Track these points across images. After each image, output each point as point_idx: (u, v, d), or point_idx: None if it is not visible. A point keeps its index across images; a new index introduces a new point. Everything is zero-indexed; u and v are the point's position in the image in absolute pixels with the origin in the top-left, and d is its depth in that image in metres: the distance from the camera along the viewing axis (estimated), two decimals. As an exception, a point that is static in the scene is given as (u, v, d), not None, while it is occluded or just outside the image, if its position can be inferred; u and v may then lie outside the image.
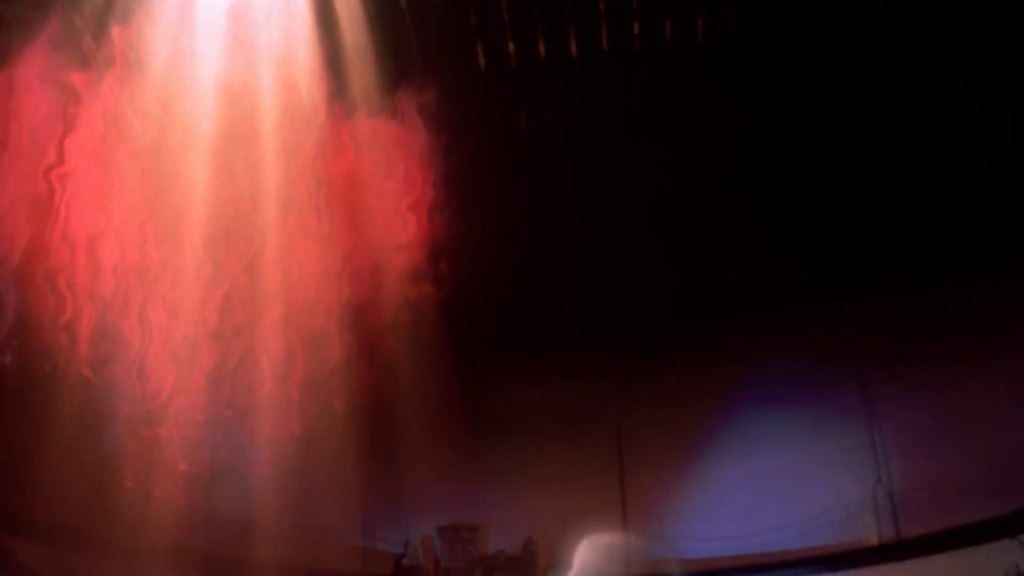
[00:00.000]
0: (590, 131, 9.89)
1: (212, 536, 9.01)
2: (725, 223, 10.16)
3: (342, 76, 8.72)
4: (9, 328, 7.87)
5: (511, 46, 9.18)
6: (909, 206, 9.54)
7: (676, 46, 9.19)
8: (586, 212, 10.23)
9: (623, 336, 10.98)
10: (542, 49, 9.18)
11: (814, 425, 10.64)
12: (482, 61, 9.14)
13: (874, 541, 10.10)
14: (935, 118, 8.90)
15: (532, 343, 10.82)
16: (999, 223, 9.38)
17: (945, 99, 8.78)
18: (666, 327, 10.86)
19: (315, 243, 8.41)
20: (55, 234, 7.95)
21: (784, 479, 10.70)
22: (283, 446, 8.66)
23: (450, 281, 9.11)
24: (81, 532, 8.42)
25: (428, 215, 8.87)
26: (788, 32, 9.32)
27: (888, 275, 10.10)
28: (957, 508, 9.61)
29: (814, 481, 10.57)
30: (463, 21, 9.06)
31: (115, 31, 8.08)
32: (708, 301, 10.76)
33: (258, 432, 8.80)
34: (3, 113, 7.89)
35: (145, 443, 8.50)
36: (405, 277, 8.63)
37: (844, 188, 9.63)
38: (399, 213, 8.74)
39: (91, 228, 8.08)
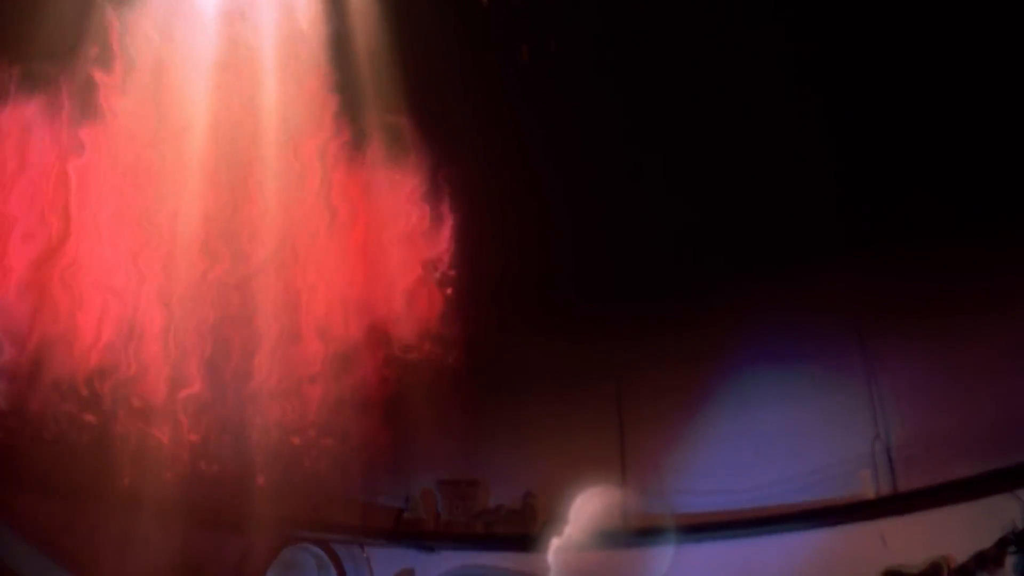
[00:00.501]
0: (591, 87, 9.86)
1: (213, 490, 9.10)
2: (724, 181, 10.15)
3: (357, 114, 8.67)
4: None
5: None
6: (907, 160, 9.52)
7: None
8: (588, 173, 10.23)
9: (623, 295, 11.02)
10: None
11: (813, 382, 10.70)
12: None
13: (871, 496, 10.16)
14: (930, 69, 8.86)
15: (532, 302, 10.87)
16: (999, 177, 9.36)
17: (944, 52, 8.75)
18: (666, 285, 10.88)
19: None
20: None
21: (782, 435, 10.77)
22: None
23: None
24: (82, 485, 8.52)
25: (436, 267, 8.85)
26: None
27: (887, 231, 10.09)
28: (955, 463, 9.64)
29: (812, 437, 10.63)
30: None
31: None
32: (708, 259, 10.77)
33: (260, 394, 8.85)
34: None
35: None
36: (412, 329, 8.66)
37: (843, 143, 9.61)
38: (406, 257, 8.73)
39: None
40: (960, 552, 9.45)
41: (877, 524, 10.01)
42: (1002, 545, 9.11)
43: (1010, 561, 9.05)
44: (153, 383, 8.15)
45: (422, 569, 11.30)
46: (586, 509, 10.16)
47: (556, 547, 10.09)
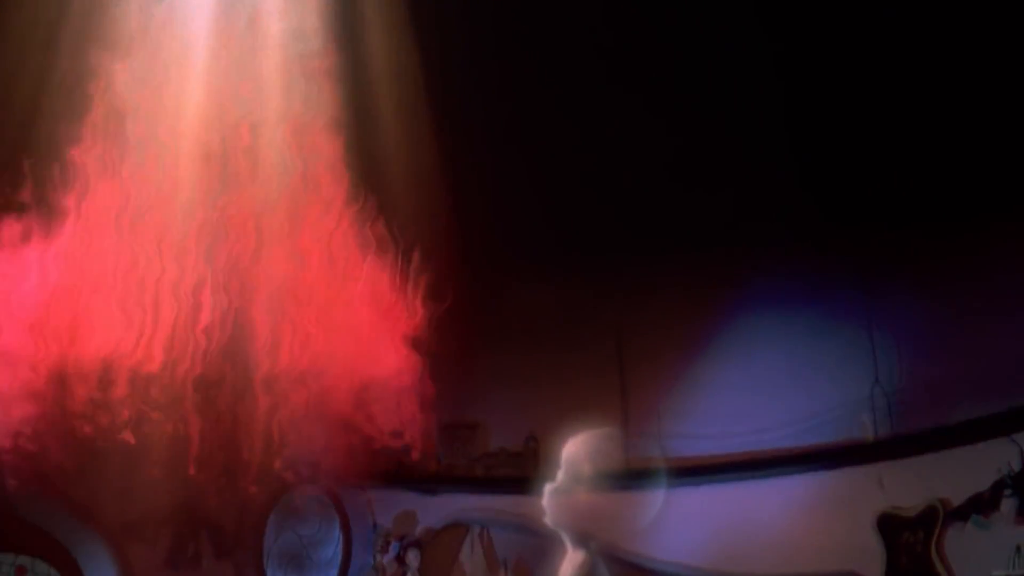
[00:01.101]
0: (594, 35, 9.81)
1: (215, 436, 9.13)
2: (728, 131, 10.13)
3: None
4: None
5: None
6: (909, 112, 9.54)
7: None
8: (590, 119, 10.21)
9: (624, 241, 11.06)
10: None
11: (813, 327, 10.82)
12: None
13: (870, 440, 10.33)
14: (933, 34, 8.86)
15: (532, 248, 10.91)
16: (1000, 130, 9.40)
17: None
18: (667, 231, 10.93)
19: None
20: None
21: (782, 380, 10.93)
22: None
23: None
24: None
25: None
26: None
27: (887, 180, 10.14)
28: (952, 407, 9.83)
29: (812, 382, 10.80)
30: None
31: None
32: (710, 205, 10.80)
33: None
34: None
35: None
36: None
37: (844, 99, 9.62)
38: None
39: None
40: (957, 495, 9.66)
41: (875, 468, 10.22)
42: (998, 488, 9.30)
43: (1006, 504, 9.25)
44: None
45: (422, 512, 11.47)
46: (578, 453, 10.27)
47: (550, 491, 10.22)
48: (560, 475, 10.15)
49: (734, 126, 9.95)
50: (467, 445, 11.54)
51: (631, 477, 10.54)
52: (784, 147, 10.06)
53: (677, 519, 10.98)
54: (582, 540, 10.11)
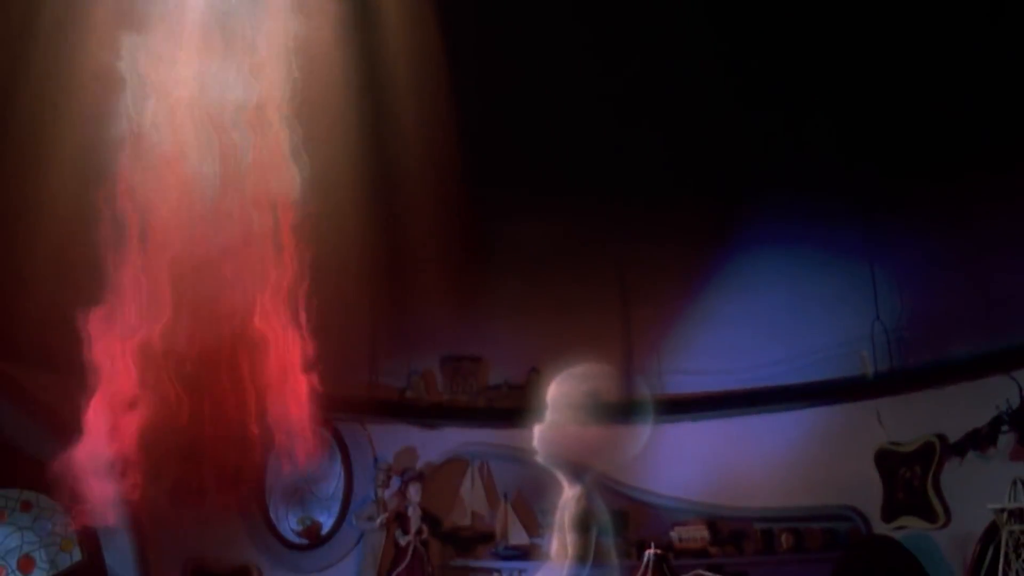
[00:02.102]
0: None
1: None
2: (729, 69, 10.08)
3: None
4: None
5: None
6: (912, 47, 9.51)
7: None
8: (595, 51, 10.15)
9: (627, 176, 11.07)
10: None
11: (814, 263, 10.89)
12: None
13: (869, 376, 10.48)
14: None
15: (534, 181, 10.91)
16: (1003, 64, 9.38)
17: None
18: (670, 166, 10.93)
19: None
20: None
21: (783, 316, 11.04)
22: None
23: None
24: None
25: None
26: None
27: (889, 114, 10.13)
28: (953, 344, 9.97)
29: (813, 318, 10.90)
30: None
31: None
32: (712, 140, 10.80)
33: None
34: None
35: None
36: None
37: (847, 42, 9.59)
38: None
39: None
40: (954, 431, 9.84)
41: (874, 403, 10.39)
42: (995, 424, 9.46)
43: (1003, 440, 9.42)
44: None
45: (423, 447, 11.65)
46: (566, 389, 10.36)
47: (541, 429, 10.34)
48: (549, 412, 10.26)
49: (735, 64, 9.92)
50: (468, 379, 11.66)
51: (628, 411, 10.65)
52: (787, 87, 10.06)
53: (677, 454, 11.20)
54: (576, 474, 10.27)
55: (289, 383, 8.65)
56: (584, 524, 10.33)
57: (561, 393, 10.25)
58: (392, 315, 11.15)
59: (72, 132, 8.18)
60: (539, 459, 10.39)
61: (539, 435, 10.28)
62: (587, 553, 10.42)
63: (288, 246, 8.49)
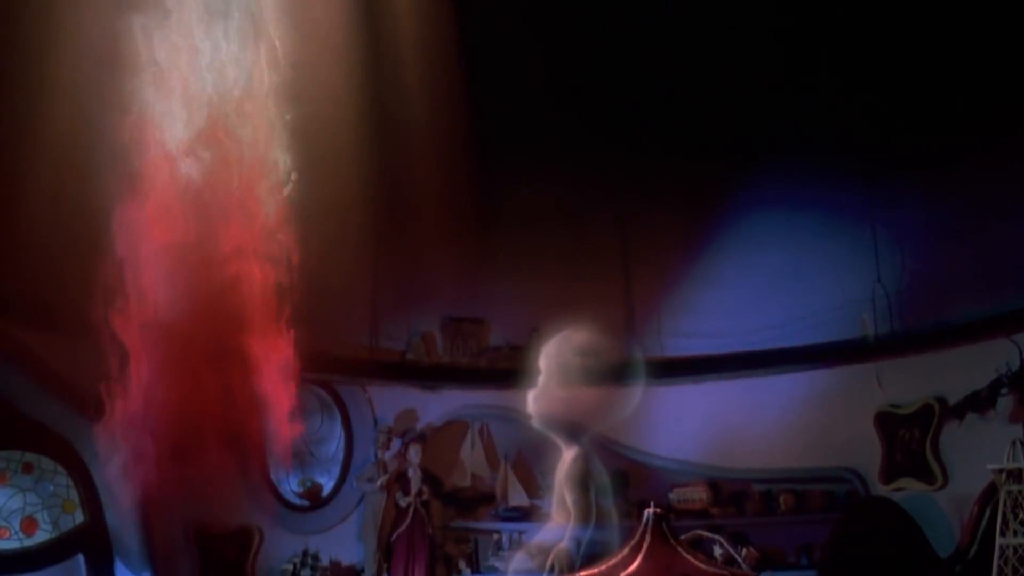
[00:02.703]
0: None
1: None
2: (732, 30, 10.09)
3: None
4: None
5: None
6: (915, 9, 9.52)
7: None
8: (599, 11, 10.15)
9: (629, 137, 11.09)
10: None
11: (816, 225, 10.94)
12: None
13: (870, 338, 10.56)
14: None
15: (538, 142, 10.93)
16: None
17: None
18: (672, 127, 10.96)
19: None
20: None
21: (784, 278, 11.09)
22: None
23: None
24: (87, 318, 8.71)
25: None
26: None
27: (892, 77, 10.15)
28: (954, 307, 10.06)
29: (814, 280, 10.97)
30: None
31: None
32: (714, 98, 10.82)
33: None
34: None
35: None
36: None
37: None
38: None
39: None
40: (954, 394, 9.96)
41: (874, 366, 10.49)
42: (995, 387, 9.58)
43: (1002, 402, 9.53)
44: None
45: (423, 409, 11.72)
46: (558, 352, 10.37)
47: (533, 395, 10.35)
48: (541, 377, 10.26)
49: (737, 26, 9.94)
50: (469, 340, 11.71)
51: (624, 372, 10.67)
52: (789, 49, 10.07)
53: (677, 416, 11.30)
54: (573, 436, 10.32)
55: (273, 344, 8.78)
56: (583, 485, 10.41)
57: (552, 357, 10.26)
58: (393, 276, 11.21)
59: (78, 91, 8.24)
60: (535, 424, 10.45)
61: (532, 400, 10.32)
62: (587, 514, 10.53)
63: (276, 212, 8.58)
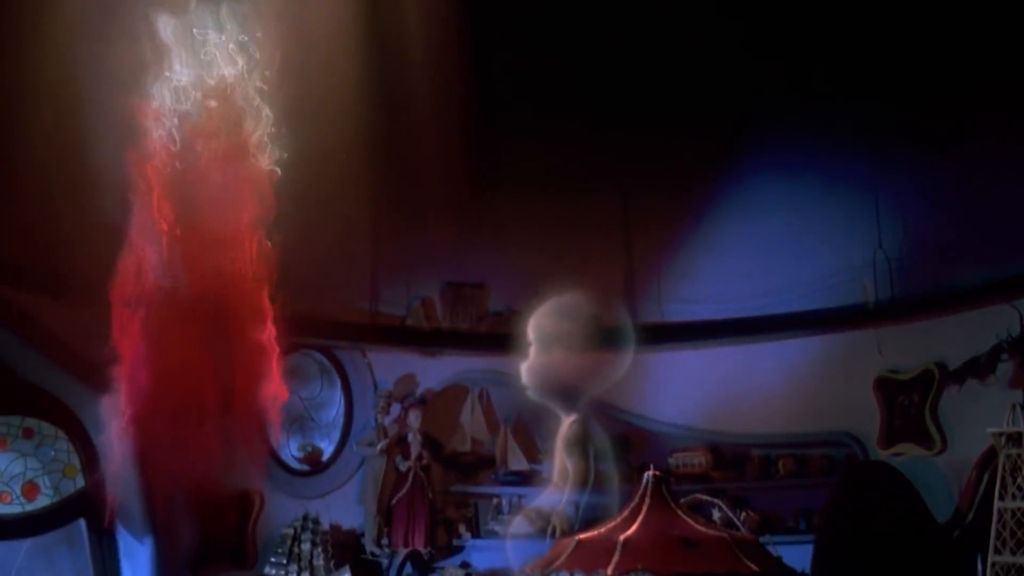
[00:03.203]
0: None
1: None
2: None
3: None
4: None
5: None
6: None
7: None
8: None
9: (631, 101, 11.08)
10: None
11: (817, 190, 10.95)
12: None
13: (870, 304, 10.60)
14: None
15: (540, 107, 10.93)
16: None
17: None
18: (674, 92, 10.94)
19: None
20: None
21: (785, 243, 11.13)
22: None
23: None
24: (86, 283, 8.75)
25: None
26: None
27: (894, 41, 10.12)
28: (955, 272, 10.09)
29: (815, 245, 11.01)
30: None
31: None
32: (716, 64, 10.80)
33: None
34: None
35: None
36: None
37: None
38: None
39: None
40: (954, 360, 10.01)
41: (874, 332, 10.54)
42: (995, 352, 9.63)
43: (1002, 368, 9.59)
44: None
45: (423, 374, 11.77)
46: (546, 320, 10.39)
47: (527, 363, 10.37)
48: (532, 345, 10.27)
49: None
50: (469, 306, 11.74)
51: (618, 337, 10.69)
52: (791, 14, 10.05)
53: (677, 381, 11.36)
54: (569, 401, 10.37)
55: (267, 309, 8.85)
56: (582, 449, 10.50)
57: (541, 325, 10.29)
58: (394, 241, 11.24)
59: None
60: (530, 394, 10.49)
61: (525, 370, 10.34)
62: (586, 477, 10.62)
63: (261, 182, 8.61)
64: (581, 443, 10.46)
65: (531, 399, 10.82)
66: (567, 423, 10.40)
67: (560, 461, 10.78)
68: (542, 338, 10.17)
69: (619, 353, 10.55)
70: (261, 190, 8.53)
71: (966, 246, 10.08)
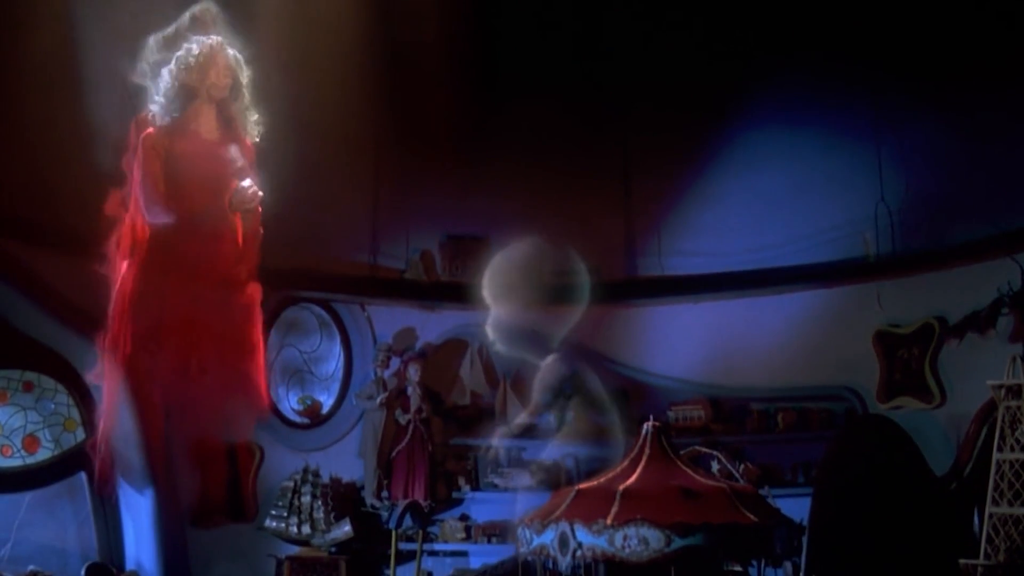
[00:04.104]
0: None
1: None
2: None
3: None
4: None
5: None
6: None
7: None
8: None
9: (628, 52, 11.05)
10: None
11: (819, 142, 10.94)
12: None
13: (871, 258, 10.63)
14: None
15: (538, 58, 10.89)
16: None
17: None
18: (672, 41, 10.92)
19: None
20: None
21: (786, 196, 11.12)
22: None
23: None
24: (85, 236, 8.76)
25: None
26: None
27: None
28: (956, 226, 10.12)
29: (816, 198, 11.00)
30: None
31: None
32: (716, 15, 10.76)
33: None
34: None
35: None
36: None
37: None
38: None
39: None
40: (955, 314, 10.07)
41: (875, 285, 10.58)
42: (996, 306, 9.67)
43: (1002, 322, 9.63)
44: None
45: (422, 327, 11.83)
46: (501, 273, 10.34)
47: (488, 322, 10.34)
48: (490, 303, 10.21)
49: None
50: (468, 260, 11.73)
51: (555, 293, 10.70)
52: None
53: (677, 334, 11.42)
54: (541, 347, 10.30)
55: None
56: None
57: (495, 279, 10.22)
58: (394, 194, 11.26)
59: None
60: (499, 350, 10.47)
61: (489, 328, 10.28)
62: (586, 431, 10.68)
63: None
64: (558, 383, 10.39)
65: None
66: (547, 364, 10.33)
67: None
68: (495, 292, 10.13)
69: (575, 300, 10.53)
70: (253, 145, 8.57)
71: (968, 199, 10.09)
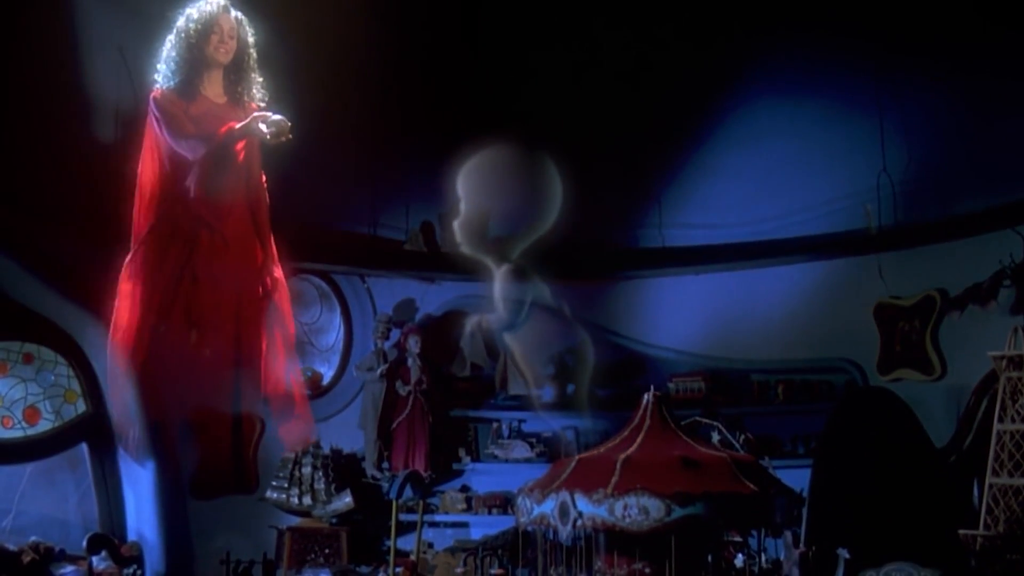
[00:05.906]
0: None
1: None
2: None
3: None
4: None
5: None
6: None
7: None
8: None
9: (632, 24, 11.02)
10: None
11: (821, 112, 10.93)
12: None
13: (873, 230, 10.65)
14: None
15: (539, 28, 10.88)
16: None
17: None
18: (676, 15, 10.90)
19: None
20: None
21: (788, 168, 11.13)
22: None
23: None
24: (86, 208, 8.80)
25: None
26: None
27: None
28: (959, 198, 10.13)
29: (818, 170, 11.01)
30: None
31: None
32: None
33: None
34: None
35: None
36: None
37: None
38: None
39: None
40: (956, 286, 10.08)
41: (876, 257, 10.61)
42: (997, 278, 9.68)
43: (1004, 294, 9.66)
44: None
45: (422, 299, 11.87)
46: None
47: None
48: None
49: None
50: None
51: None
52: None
53: (678, 306, 11.46)
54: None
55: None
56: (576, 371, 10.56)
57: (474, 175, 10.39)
58: (394, 165, 11.27)
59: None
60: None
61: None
62: (583, 401, 10.76)
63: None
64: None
65: (532, 324, 10.93)
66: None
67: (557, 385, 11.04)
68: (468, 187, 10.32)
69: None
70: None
71: (970, 171, 10.11)
